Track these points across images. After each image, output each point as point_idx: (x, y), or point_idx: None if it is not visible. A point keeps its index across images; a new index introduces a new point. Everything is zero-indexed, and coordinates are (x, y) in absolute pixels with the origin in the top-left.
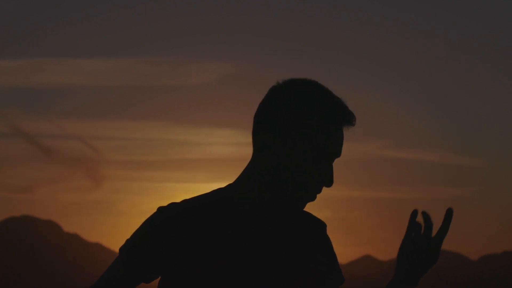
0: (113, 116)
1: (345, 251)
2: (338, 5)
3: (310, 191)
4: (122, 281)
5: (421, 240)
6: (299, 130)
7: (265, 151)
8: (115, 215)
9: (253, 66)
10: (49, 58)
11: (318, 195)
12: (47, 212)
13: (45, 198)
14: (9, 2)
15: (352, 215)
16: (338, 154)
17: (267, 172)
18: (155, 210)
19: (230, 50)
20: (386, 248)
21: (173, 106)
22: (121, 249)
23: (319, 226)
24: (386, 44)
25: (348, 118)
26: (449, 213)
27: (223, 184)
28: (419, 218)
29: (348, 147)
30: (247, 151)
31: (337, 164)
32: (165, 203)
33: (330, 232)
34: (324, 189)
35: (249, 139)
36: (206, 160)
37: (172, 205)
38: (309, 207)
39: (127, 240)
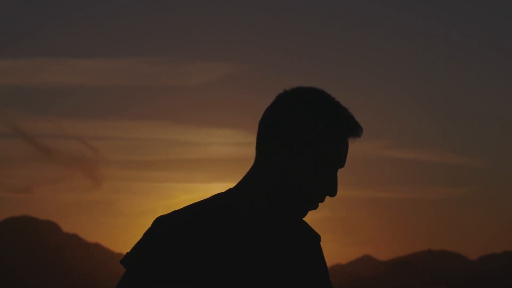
0: (113, 116)
1: (344, 251)
2: (338, 5)
3: (314, 200)
4: None
5: None
6: (304, 138)
7: (270, 158)
8: (114, 215)
9: (253, 66)
10: (49, 58)
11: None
12: (46, 212)
13: (45, 198)
14: (9, 2)
15: (352, 215)
16: (342, 164)
17: (272, 179)
18: (154, 210)
19: (230, 50)
20: (386, 248)
21: (173, 106)
22: (123, 262)
23: (315, 238)
24: (386, 44)
25: (353, 128)
26: None
27: (223, 184)
28: None
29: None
30: (247, 151)
31: None
32: (165, 203)
33: (330, 231)
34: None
35: (248, 139)
36: (206, 160)
37: (171, 215)
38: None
39: (129, 254)
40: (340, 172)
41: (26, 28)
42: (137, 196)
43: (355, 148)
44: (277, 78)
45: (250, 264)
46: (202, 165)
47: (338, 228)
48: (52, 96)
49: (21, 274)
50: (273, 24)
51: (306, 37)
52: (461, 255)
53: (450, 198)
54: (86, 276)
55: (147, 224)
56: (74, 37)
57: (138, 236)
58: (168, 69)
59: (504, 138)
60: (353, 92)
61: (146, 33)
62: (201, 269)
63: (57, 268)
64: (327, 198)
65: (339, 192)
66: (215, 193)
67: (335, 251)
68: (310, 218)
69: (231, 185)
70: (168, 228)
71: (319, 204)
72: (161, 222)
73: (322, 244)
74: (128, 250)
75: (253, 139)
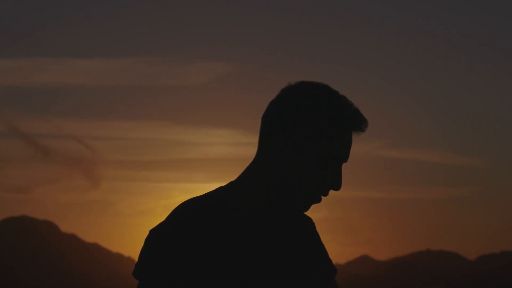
0: (112, 116)
1: (343, 251)
2: (338, 5)
3: (317, 194)
4: None
5: None
6: (307, 133)
7: (271, 155)
8: (113, 215)
9: (253, 66)
10: (49, 58)
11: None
12: (45, 212)
13: (43, 198)
14: (9, 2)
15: (351, 215)
16: (345, 159)
17: (272, 177)
18: (153, 210)
19: (229, 50)
20: (384, 248)
21: (172, 106)
22: (134, 275)
23: (310, 223)
24: (386, 44)
25: (357, 123)
26: None
27: (221, 184)
28: None
29: None
30: (246, 151)
31: None
32: (163, 203)
33: (328, 231)
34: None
35: (248, 139)
36: (204, 160)
37: (164, 224)
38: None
39: (138, 266)
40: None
41: (26, 28)
42: (135, 196)
43: (355, 147)
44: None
45: (248, 263)
46: (201, 165)
47: (336, 228)
48: (51, 96)
49: (20, 274)
50: (273, 24)
51: (306, 37)
52: (459, 255)
53: (449, 198)
54: (84, 276)
55: (146, 224)
56: (74, 37)
57: (137, 236)
58: (168, 69)
59: (504, 138)
60: (353, 92)
61: (145, 33)
62: (201, 265)
63: (55, 268)
64: (328, 196)
65: (338, 192)
66: None
67: (334, 251)
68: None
69: None
70: (166, 233)
71: (322, 197)
72: (157, 231)
73: None
74: (127, 250)
75: (252, 139)
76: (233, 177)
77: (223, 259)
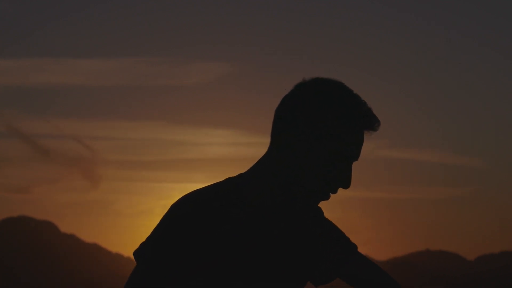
0: (112, 116)
1: None
2: (338, 5)
3: (326, 192)
4: None
5: None
6: (317, 130)
7: (280, 153)
8: (112, 216)
9: (252, 66)
10: (49, 58)
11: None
12: (44, 213)
13: (43, 198)
14: (9, 2)
15: (350, 215)
16: (355, 157)
17: (281, 172)
18: (152, 210)
19: (229, 50)
20: (384, 248)
21: (171, 106)
22: (137, 254)
23: (318, 214)
24: (386, 44)
25: (368, 122)
26: None
27: None
28: None
29: None
30: (246, 151)
31: None
32: (162, 203)
33: None
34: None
35: (247, 139)
36: (204, 160)
37: (186, 201)
38: None
39: (146, 247)
40: None
41: (26, 28)
42: (135, 196)
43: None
44: (277, 78)
45: (244, 260)
46: (201, 165)
47: None
48: (51, 96)
49: (19, 275)
50: (273, 24)
51: (306, 37)
52: (459, 255)
53: (449, 198)
54: (84, 276)
55: (146, 224)
56: (74, 37)
57: (137, 236)
58: (167, 69)
59: (504, 138)
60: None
61: (145, 33)
62: (207, 256)
63: (55, 268)
64: (331, 198)
65: (337, 192)
66: None
67: None
68: None
69: None
70: (186, 216)
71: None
72: (179, 209)
73: None
74: (127, 250)
75: (252, 139)
76: None
77: (215, 255)
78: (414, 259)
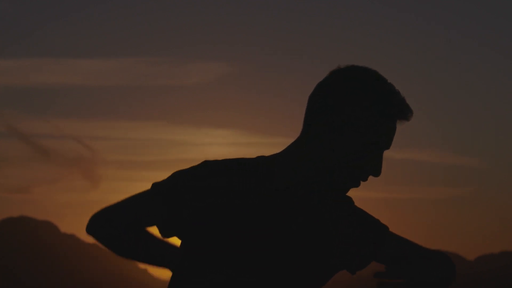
0: (112, 116)
1: None
2: (338, 5)
3: (356, 179)
4: (150, 220)
5: None
6: (349, 118)
7: (312, 141)
8: None
9: (253, 66)
10: (49, 58)
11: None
12: (44, 213)
13: (43, 199)
14: (9, 2)
15: None
16: (387, 146)
17: (316, 157)
18: None
19: (229, 50)
20: None
21: (171, 106)
22: (156, 186)
23: (347, 202)
24: (386, 44)
25: (402, 111)
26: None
27: None
28: None
29: None
30: (246, 151)
31: None
32: None
33: None
34: None
35: (247, 139)
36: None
37: (219, 161)
38: None
39: (165, 181)
40: None
41: (26, 28)
42: None
43: None
44: (277, 78)
45: (268, 247)
46: None
47: None
48: (51, 96)
49: (19, 275)
50: (273, 24)
51: (306, 37)
52: (459, 255)
53: (448, 198)
54: (84, 276)
55: None
56: (74, 37)
57: None
58: (167, 69)
59: (503, 138)
60: None
61: (145, 33)
62: (226, 223)
63: (55, 269)
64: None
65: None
66: None
67: None
68: None
69: None
70: (213, 172)
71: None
72: (209, 165)
73: None
74: None
75: (252, 139)
76: None
77: (249, 224)
78: None
